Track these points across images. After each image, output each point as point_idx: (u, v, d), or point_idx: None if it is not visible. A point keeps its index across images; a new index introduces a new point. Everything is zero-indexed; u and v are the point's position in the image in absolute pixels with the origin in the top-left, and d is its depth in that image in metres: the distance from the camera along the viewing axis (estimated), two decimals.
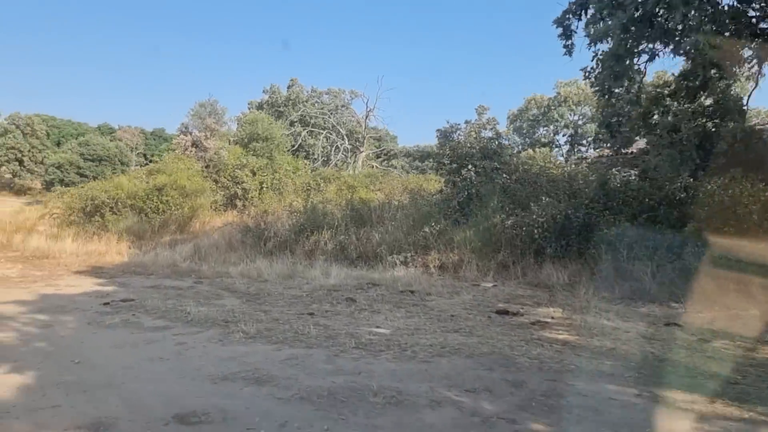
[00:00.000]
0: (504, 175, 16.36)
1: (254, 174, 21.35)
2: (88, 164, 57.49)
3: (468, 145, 16.57)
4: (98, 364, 5.56)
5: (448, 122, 17.00)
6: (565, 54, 11.73)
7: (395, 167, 45.56)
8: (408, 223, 14.73)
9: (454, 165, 17.08)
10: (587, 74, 12.02)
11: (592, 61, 12.32)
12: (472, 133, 16.54)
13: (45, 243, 15.93)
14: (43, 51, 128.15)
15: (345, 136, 36.25)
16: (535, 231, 12.50)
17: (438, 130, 17.12)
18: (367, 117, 35.11)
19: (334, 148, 35.34)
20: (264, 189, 21.13)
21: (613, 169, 14.40)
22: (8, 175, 66.19)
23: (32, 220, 21.84)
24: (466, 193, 16.53)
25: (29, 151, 65.07)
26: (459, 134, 17.42)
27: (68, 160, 56.86)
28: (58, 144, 72.55)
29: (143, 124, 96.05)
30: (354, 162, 34.90)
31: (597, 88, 12.06)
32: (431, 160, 17.12)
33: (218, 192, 20.88)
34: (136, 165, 67.82)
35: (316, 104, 45.60)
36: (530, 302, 9.61)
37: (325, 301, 9.23)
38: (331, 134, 36.08)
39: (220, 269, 12.44)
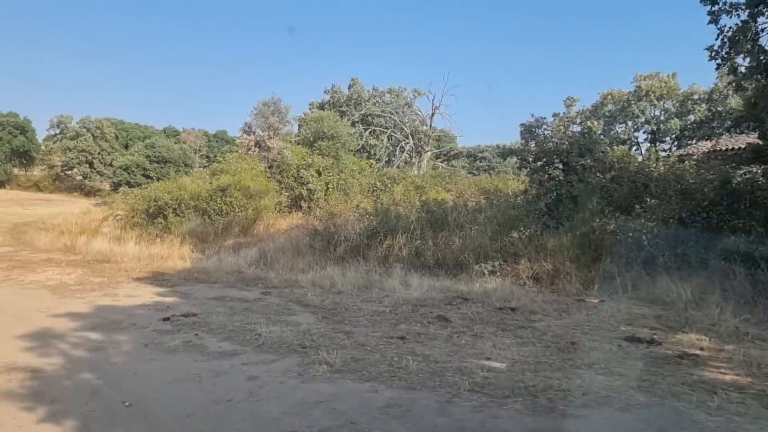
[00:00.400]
0: (598, 174, 14.62)
1: (319, 174, 20.31)
2: (154, 166, 58.57)
3: (556, 140, 14.89)
4: (154, 409, 4.39)
5: (533, 116, 15.35)
6: (710, 23, 9.94)
7: (455, 167, 43.91)
8: (493, 228, 13.21)
9: (540, 163, 15.44)
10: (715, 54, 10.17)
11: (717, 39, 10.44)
12: (561, 127, 14.84)
13: (107, 246, 15.33)
14: (112, 56, 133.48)
15: (410, 135, 34.94)
16: (644, 237, 10.74)
17: (522, 125, 15.50)
18: (432, 115, 33.69)
19: (398, 148, 34.07)
20: (330, 190, 20.05)
21: (724, 167, 12.43)
22: (79, 177, 68.52)
23: (97, 222, 21.61)
24: (554, 194, 14.87)
25: (99, 153, 67.12)
26: (545, 129, 15.74)
27: (135, 162, 58.09)
28: (126, 147, 74.51)
29: (206, 127, 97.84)
30: (418, 162, 33.53)
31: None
32: (515, 157, 15.43)
33: (282, 193, 19.94)
34: (199, 166, 68.80)
35: (377, 104, 44.56)
36: (659, 325, 7.92)
37: (413, 320, 7.87)
38: (395, 133, 34.84)
39: (289, 277, 11.30)
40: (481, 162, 60.20)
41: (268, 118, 25.78)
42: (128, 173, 57.76)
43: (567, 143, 14.74)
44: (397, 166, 30.75)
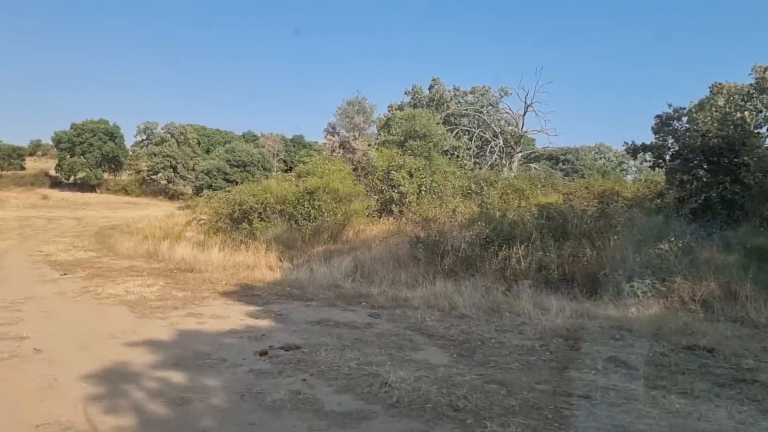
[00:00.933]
0: (757, 174, 12.11)
1: (411, 176, 18.62)
2: (234, 170, 59.09)
3: (701, 133, 12.44)
4: None
5: (670, 106, 12.96)
6: None
7: (536, 168, 41.09)
8: (634, 237, 10.98)
9: (679, 161, 13.04)
10: None
11: None
12: (707, 118, 12.41)
13: (191, 252, 14.25)
14: (194, 64, 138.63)
15: (499, 135, 32.70)
16: None
17: (657, 117, 13.16)
18: (525, 113, 31.28)
19: (487, 149, 31.93)
20: (422, 193, 18.31)
21: None
22: (164, 181, 70.49)
23: (180, 226, 20.89)
24: (701, 198, 12.45)
25: (182, 158, 68.71)
26: (684, 121, 13.30)
27: (216, 166, 58.81)
28: (208, 151, 76.10)
29: (284, 131, 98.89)
30: (509, 163, 31.23)
31: None
32: (649, 154, 13.06)
33: (370, 196, 18.38)
34: (277, 170, 69.09)
35: (459, 104, 42.55)
36: None
37: (580, 363, 5.90)
38: (484, 133, 32.71)
39: (395, 294, 9.58)
40: (564, 165, 56.78)
41: (352, 118, 24.40)
42: (209, 177, 58.60)
43: (717, 138, 12.26)
44: (490, 167, 28.60)
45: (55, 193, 61.79)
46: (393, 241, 13.19)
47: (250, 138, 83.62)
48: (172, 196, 68.20)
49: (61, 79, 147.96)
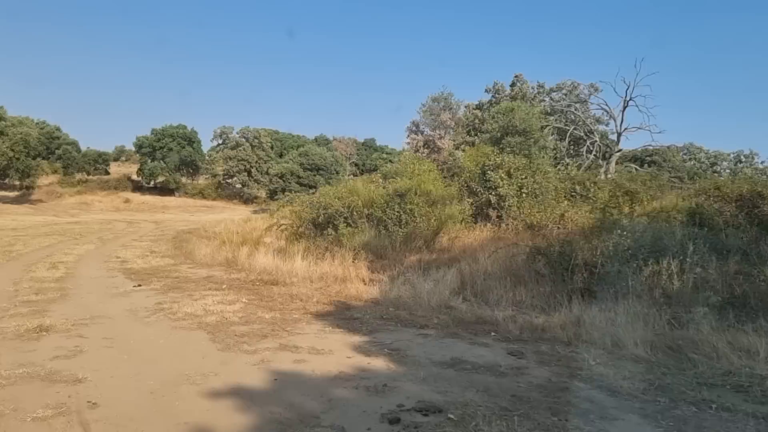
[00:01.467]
0: None
1: (509, 176, 16.56)
2: (307, 173, 58.69)
3: None
4: None
5: None
6: None
7: (638, 169, 37.64)
8: None
9: None
10: None
11: None
12: None
13: (272, 261, 12.87)
14: (266, 69, 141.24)
15: (594, 133, 29.94)
16: None
17: None
18: (624, 109, 28.33)
19: (584, 148, 29.26)
20: (524, 195, 16.21)
21: None
22: (238, 185, 71.30)
23: (259, 231, 19.77)
24: None
25: (256, 162, 69.18)
26: None
27: (289, 169, 58.59)
28: (281, 155, 76.40)
29: (355, 135, 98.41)
30: (606, 163, 28.42)
31: None
32: None
33: (464, 199, 16.45)
34: (350, 173, 68.36)
35: (543, 101, 39.86)
36: None
37: None
38: (578, 131, 30.03)
39: (525, 320, 7.64)
40: (648, 166, 52.61)
41: (438, 116, 22.58)
42: (283, 181, 58.43)
43: None
44: (587, 167, 25.96)
45: (137, 197, 63.54)
46: (503, 251, 11.20)
47: (322, 141, 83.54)
48: (247, 200, 68.82)
49: (144, 86, 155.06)
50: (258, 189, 69.88)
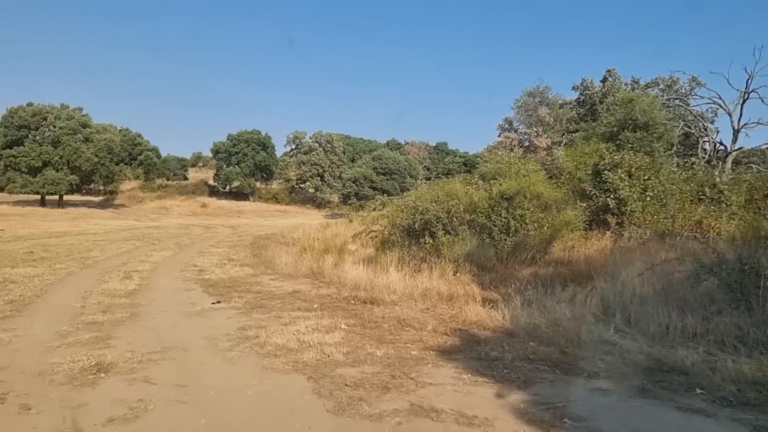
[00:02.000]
0: None
1: (630, 176, 14.22)
2: (380, 178, 57.40)
3: None
4: None
5: None
6: None
7: (761, 169, 33.63)
8: None
9: None
10: None
11: None
12: None
13: (363, 274, 11.25)
14: (338, 75, 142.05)
15: (708, 130, 26.75)
16: None
17: None
18: (744, 102, 24.99)
19: (699, 146, 26.14)
20: (648, 198, 13.84)
21: None
22: (311, 190, 71.11)
23: (341, 237, 18.32)
24: None
25: (329, 166, 68.68)
26: None
27: (363, 174, 57.49)
28: (353, 160, 75.65)
29: (427, 139, 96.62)
30: (722, 163, 25.19)
31: None
32: None
33: (577, 203, 14.25)
34: (422, 178, 66.57)
35: (639, 98, 36.48)
36: None
37: None
38: (689, 126, 26.89)
39: (729, 366, 5.53)
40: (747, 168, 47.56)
41: (535, 111, 20.38)
42: (356, 185, 57.40)
43: None
44: (704, 168, 22.95)
45: (213, 201, 64.38)
46: (662, 268, 8.99)
47: (393, 146, 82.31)
48: (319, 204, 68.44)
49: (220, 93, 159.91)
50: (330, 193, 69.38)
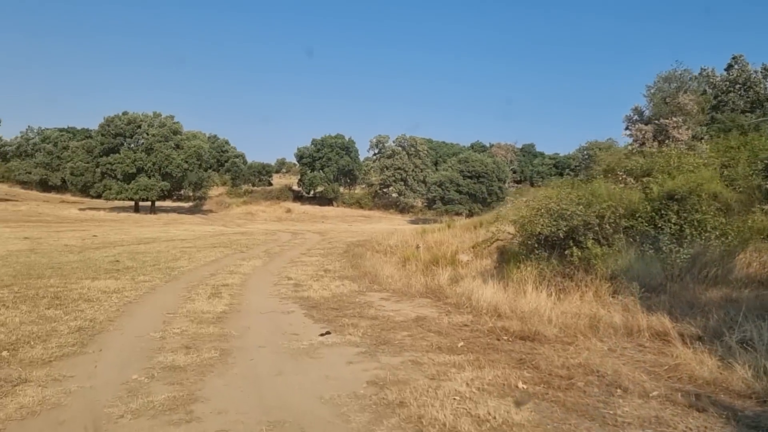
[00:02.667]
0: None
1: None
2: (467, 181, 54.75)
3: None
4: None
5: None
6: None
7: None
8: None
9: None
10: None
11: None
12: None
13: (502, 295, 8.94)
14: (421, 77, 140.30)
15: None
16: None
17: None
18: None
19: None
20: None
21: None
22: (394, 194, 69.44)
23: (447, 245, 16.07)
24: None
25: (413, 170, 66.77)
26: None
27: (448, 177, 55.05)
28: (436, 164, 73.26)
29: (513, 141, 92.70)
30: None
31: None
32: None
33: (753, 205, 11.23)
34: (511, 181, 63.24)
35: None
36: None
37: None
38: None
39: None
40: None
41: (673, 99, 17.26)
42: (442, 189, 55.04)
43: None
44: None
45: (297, 207, 64.04)
46: None
47: (478, 148, 79.30)
48: (403, 209, 66.61)
49: (304, 98, 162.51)
50: (414, 198, 67.40)
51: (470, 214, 53.80)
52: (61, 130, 77.18)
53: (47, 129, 75.51)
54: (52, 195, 68.81)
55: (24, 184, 72.21)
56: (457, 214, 53.94)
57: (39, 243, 19.93)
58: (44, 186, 69.53)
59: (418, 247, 16.88)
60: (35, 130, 74.20)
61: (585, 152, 64.64)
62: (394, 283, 11.35)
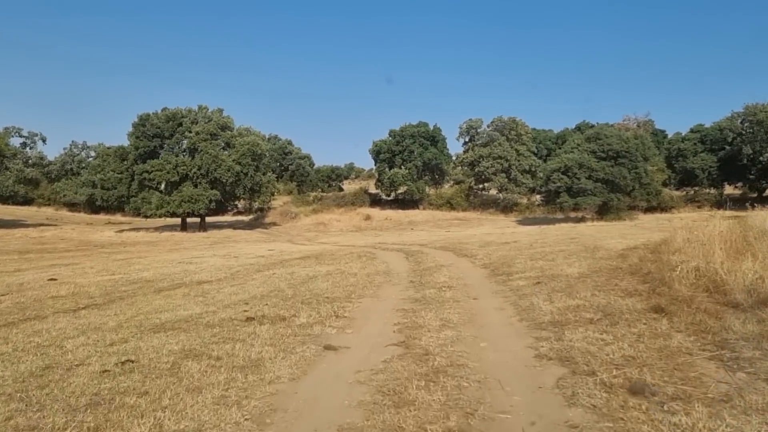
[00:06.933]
0: None
1: None
2: (602, 164, 41.15)
3: None
4: None
5: None
6: None
7: None
8: None
9: None
10: None
11: None
12: None
13: None
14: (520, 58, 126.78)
15: None
16: None
17: None
18: None
19: None
20: None
21: None
22: (493, 191, 56.79)
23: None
24: None
25: (516, 159, 53.92)
26: None
27: (576, 161, 41.57)
28: (535, 154, 59.36)
29: (642, 114, 77.59)
30: None
31: None
32: None
33: None
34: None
35: None
36: None
37: None
38: None
39: None
40: None
41: None
42: (567, 177, 41.74)
43: None
44: None
45: (376, 212, 52.60)
46: None
47: (586, 129, 64.99)
48: (505, 208, 53.82)
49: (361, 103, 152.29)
50: (519, 194, 54.41)
51: (605, 209, 40.61)
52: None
53: (92, 144, 68.14)
54: (101, 216, 60.77)
55: (72, 207, 64.82)
56: (583, 209, 41.04)
57: None
58: (92, 206, 61.51)
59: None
60: (80, 146, 66.95)
61: (744, 119, 49.80)
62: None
